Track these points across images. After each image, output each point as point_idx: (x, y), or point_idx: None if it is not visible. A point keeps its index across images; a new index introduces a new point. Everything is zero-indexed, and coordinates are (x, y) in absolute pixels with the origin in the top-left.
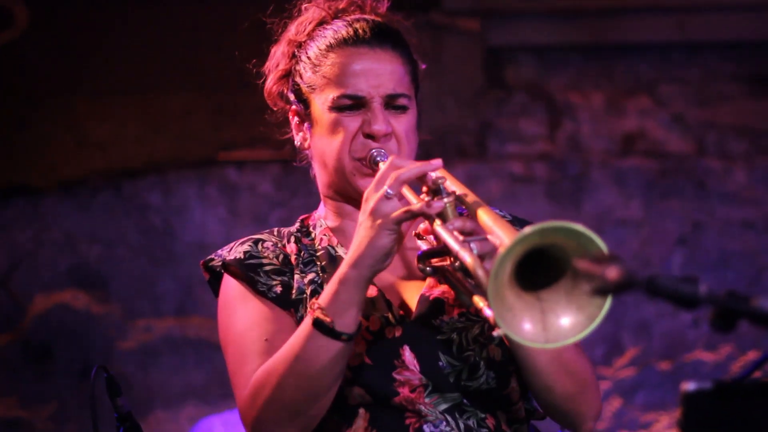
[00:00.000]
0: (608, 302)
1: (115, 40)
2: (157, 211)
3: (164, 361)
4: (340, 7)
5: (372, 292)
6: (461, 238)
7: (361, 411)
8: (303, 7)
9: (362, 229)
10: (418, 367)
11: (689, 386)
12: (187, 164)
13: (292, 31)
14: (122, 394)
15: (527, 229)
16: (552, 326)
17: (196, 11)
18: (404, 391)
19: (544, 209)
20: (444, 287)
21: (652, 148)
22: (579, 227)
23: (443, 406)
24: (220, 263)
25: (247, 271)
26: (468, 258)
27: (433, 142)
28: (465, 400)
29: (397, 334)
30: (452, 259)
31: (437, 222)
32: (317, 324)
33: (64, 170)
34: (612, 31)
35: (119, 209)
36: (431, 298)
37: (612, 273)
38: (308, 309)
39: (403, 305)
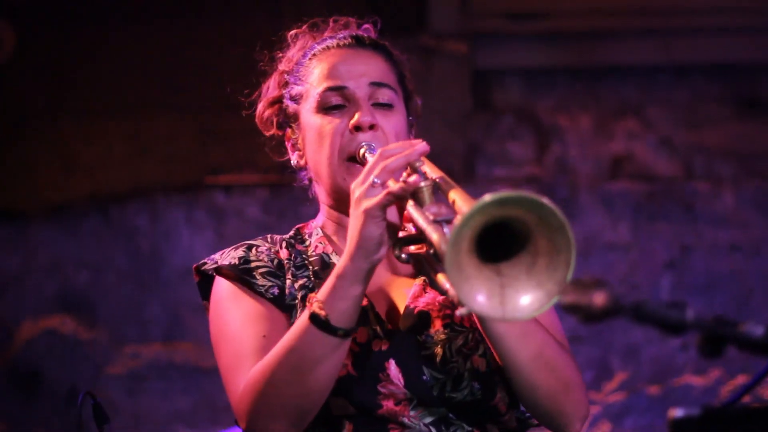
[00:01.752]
0: (569, 279)
1: (101, 63)
2: (145, 235)
3: (152, 387)
4: (326, 34)
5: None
6: (432, 218)
7: (346, 422)
8: (290, 36)
9: (352, 220)
10: (402, 381)
11: (677, 412)
12: (174, 188)
13: (283, 64)
14: (109, 421)
15: (486, 197)
16: (510, 301)
17: (182, 33)
18: (388, 404)
19: None
20: (428, 298)
21: (640, 171)
22: (539, 198)
23: (428, 419)
24: (213, 267)
25: (243, 275)
26: (434, 235)
27: None
28: (451, 414)
29: (384, 347)
30: (427, 246)
31: (411, 203)
32: (313, 318)
33: (50, 194)
34: (599, 53)
35: (106, 234)
36: (416, 311)
37: (599, 299)
38: (306, 303)
39: (389, 315)
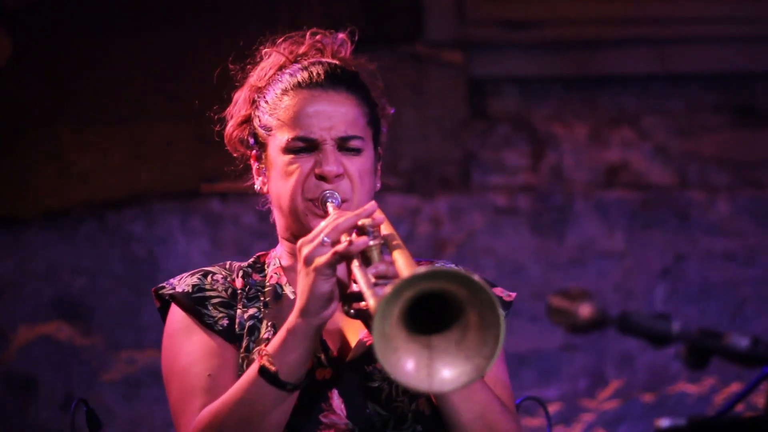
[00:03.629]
0: (496, 355)
1: (98, 70)
2: (141, 241)
3: (148, 393)
4: (300, 51)
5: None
6: (373, 280)
7: None
8: (264, 52)
9: (300, 278)
10: (345, 412)
11: (663, 422)
12: (170, 195)
13: (254, 77)
14: (102, 427)
15: (417, 270)
16: (437, 373)
17: (178, 41)
18: None
19: (527, 241)
20: None
21: (635, 180)
22: (469, 274)
23: None
24: (169, 293)
25: (195, 305)
26: (370, 300)
27: (416, 173)
28: None
29: (327, 376)
30: None
31: (355, 263)
32: (262, 372)
33: (46, 201)
34: (594, 62)
35: (102, 240)
36: (368, 344)
37: (585, 310)
38: (256, 355)
39: (341, 348)
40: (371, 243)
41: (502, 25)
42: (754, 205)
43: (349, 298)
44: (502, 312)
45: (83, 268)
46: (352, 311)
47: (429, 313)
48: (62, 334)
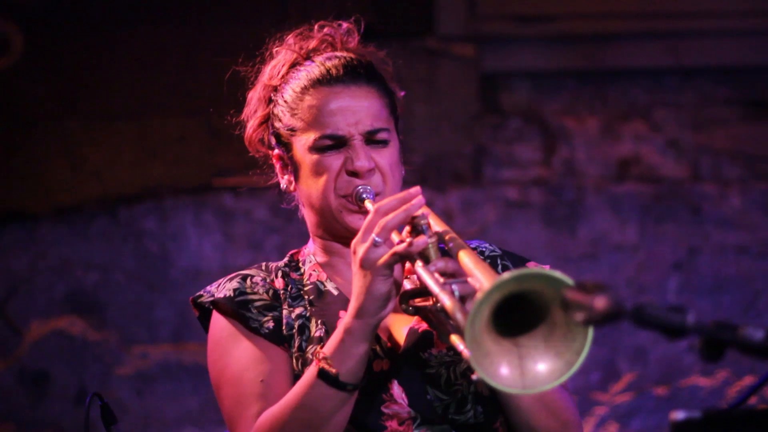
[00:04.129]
0: (586, 349)
1: (109, 65)
2: (153, 236)
3: (160, 387)
4: (311, 46)
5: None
6: (442, 280)
7: None
8: (274, 50)
9: (357, 279)
10: (406, 400)
11: (678, 415)
12: (182, 190)
13: (266, 75)
14: (117, 422)
15: (505, 276)
16: (529, 372)
17: (190, 36)
18: (392, 425)
19: (539, 234)
20: None
21: (647, 173)
22: (556, 274)
23: None
24: (209, 300)
25: (238, 309)
26: (447, 301)
27: (428, 167)
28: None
29: (385, 367)
30: (434, 299)
31: (419, 263)
32: (322, 374)
33: (59, 196)
34: (606, 56)
35: (115, 235)
36: (420, 330)
37: (600, 303)
38: (312, 357)
39: (392, 338)
40: (429, 240)
41: (513, 19)
42: (766, 198)
43: (406, 296)
44: None
45: (96, 263)
46: (410, 308)
47: (510, 313)
48: (75, 329)
